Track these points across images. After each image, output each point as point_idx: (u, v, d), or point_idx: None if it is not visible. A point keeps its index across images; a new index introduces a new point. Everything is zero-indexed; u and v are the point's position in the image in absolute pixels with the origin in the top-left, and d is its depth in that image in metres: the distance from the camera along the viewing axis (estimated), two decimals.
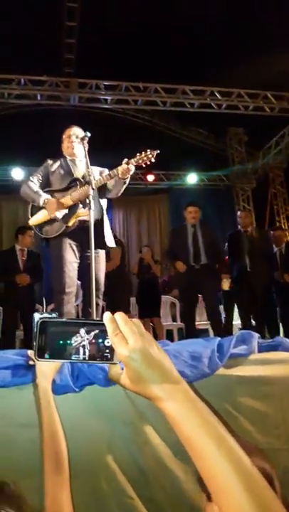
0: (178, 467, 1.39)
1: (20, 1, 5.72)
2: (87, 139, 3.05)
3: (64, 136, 3.39)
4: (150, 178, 9.07)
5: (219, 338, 1.64)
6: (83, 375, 1.44)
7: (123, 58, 6.60)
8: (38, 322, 0.69)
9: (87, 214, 2.89)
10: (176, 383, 0.65)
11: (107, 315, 0.68)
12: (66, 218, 3.11)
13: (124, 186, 3.18)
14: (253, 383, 1.59)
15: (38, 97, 7.25)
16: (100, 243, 3.13)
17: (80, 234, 3.09)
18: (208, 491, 0.61)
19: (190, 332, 4.80)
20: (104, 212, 3.28)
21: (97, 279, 3.05)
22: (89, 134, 3.06)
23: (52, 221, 3.15)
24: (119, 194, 3.28)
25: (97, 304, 3.02)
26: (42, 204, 3.15)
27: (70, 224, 3.10)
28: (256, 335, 1.71)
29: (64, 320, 0.73)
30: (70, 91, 7.29)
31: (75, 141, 3.27)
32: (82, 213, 3.07)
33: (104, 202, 3.30)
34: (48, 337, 0.69)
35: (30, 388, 1.43)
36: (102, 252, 3.22)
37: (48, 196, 3.18)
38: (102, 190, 3.21)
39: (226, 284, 4.90)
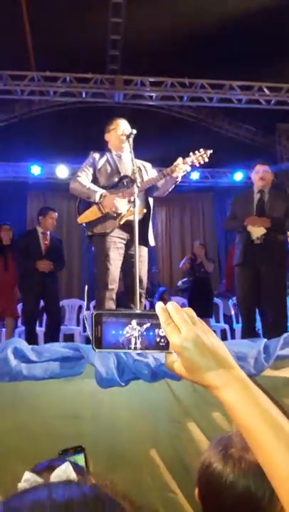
0: None
1: None
2: (132, 136, 3.06)
3: (111, 128, 3.31)
4: (194, 175, 8.98)
5: (265, 340, 1.62)
6: (128, 370, 1.46)
7: (168, 54, 6.56)
8: (92, 314, 0.72)
9: (133, 213, 2.90)
10: (231, 371, 0.64)
11: (159, 305, 0.68)
12: (116, 217, 3.07)
13: (174, 186, 3.18)
14: None
15: (83, 95, 7.35)
16: (144, 241, 3.15)
17: (125, 231, 3.11)
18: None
19: (249, 333, 3.56)
20: (151, 210, 3.25)
21: (140, 278, 3.06)
22: (134, 131, 3.06)
23: (103, 219, 3.10)
24: (166, 194, 3.24)
25: (140, 302, 3.03)
26: (98, 200, 3.07)
27: (122, 223, 3.07)
28: None
29: (117, 312, 0.75)
30: (115, 88, 7.33)
31: (123, 135, 3.19)
32: (131, 212, 2.98)
33: (150, 200, 3.27)
34: (103, 328, 0.72)
35: (77, 380, 1.48)
36: (145, 250, 3.22)
37: (104, 191, 3.10)
38: (149, 188, 3.17)
39: (258, 231, 3.61)
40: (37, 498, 0.43)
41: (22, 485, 0.82)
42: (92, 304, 5.94)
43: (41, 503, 0.42)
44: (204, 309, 5.76)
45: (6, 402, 1.47)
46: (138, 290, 2.84)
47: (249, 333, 3.61)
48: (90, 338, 0.73)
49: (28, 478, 0.82)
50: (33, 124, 8.01)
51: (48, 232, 4.90)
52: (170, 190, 3.21)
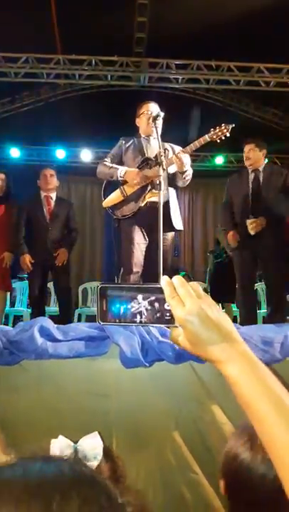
0: None
1: None
2: (160, 118, 3.03)
3: (142, 111, 3.28)
4: (219, 160, 8.84)
5: None
6: (153, 351, 1.46)
7: (195, 37, 6.41)
8: (98, 287, 0.72)
9: (156, 195, 2.88)
10: (236, 345, 0.63)
11: (164, 278, 0.67)
12: (137, 199, 3.10)
13: (186, 178, 3.13)
14: None
15: (108, 78, 7.27)
16: (168, 225, 3.12)
17: (149, 215, 3.10)
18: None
19: (248, 321, 3.22)
20: (174, 194, 3.25)
21: (165, 261, 3.05)
22: (162, 114, 3.04)
23: (125, 202, 3.13)
24: (185, 185, 3.25)
25: None
26: (120, 176, 3.08)
27: (143, 204, 3.09)
28: None
29: (122, 285, 0.74)
30: (140, 71, 7.24)
31: (150, 117, 3.13)
32: (153, 194, 3.04)
33: (171, 189, 3.24)
34: (108, 301, 0.71)
35: (102, 360, 1.49)
36: (170, 235, 3.21)
37: (126, 168, 3.12)
38: (172, 176, 3.17)
39: (252, 226, 3.37)
40: (11, 474, 0.43)
41: (54, 443, 0.85)
42: None
43: (14, 480, 0.42)
44: (227, 294, 5.69)
45: (32, 378, 1.50)
46: (161, 273, 2.83)
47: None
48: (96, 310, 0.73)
49: (60, 440, 0.85)
50: (58, 107, 8.00)
51: (53, 195, 4.16)
52: (188, 177, 3.17)
